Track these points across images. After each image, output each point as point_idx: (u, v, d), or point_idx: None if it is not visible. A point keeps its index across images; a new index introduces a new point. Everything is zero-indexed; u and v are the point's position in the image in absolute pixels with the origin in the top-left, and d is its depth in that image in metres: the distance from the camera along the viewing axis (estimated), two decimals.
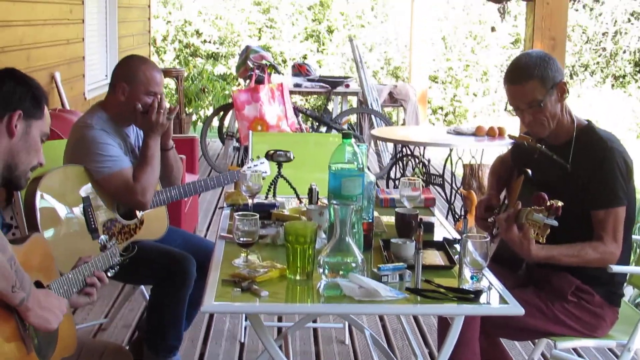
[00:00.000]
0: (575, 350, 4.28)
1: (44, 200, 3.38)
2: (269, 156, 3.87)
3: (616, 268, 3.17)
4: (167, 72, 10.87)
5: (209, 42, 17.01)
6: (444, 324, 3.25)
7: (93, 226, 3.50)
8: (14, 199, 3.60)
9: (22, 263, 2.30)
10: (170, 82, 13.15)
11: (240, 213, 2.96)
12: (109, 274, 2.75)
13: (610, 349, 4.44)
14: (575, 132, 3.28)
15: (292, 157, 3.86)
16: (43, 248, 2.57)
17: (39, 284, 2.42)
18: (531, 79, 3.18)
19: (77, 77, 8.00)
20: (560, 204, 2.73)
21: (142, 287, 4.36)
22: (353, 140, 3.04)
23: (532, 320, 3.21)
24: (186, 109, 11.94)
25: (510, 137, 3.59)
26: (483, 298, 2.66)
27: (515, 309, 2.62)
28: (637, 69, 18.03)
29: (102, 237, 2.81)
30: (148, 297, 3.91)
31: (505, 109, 3.37)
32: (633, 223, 3.31)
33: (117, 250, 2.79)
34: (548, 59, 3.22)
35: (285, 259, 2.77)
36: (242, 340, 4.49)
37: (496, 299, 2.71)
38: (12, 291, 2.18)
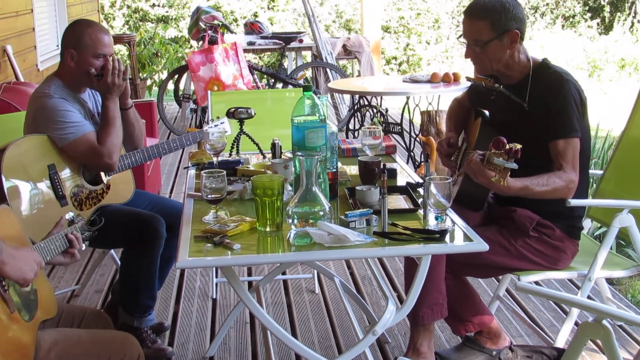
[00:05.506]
0: (537, 283, 4.40)
1: (9, 171, 3.37)
2: (230, 114, 3.88)
3: (574, 202, 3.25)
4: (118, 39, 10.75)
5: (158, 5, 16.84)
6: (410, 267, 3.31)
7: (60, 193, 3.51)
8: None
9: None
10: (122, 48, 13.04)
11: (207, 171, 3.00)
12: (83, 247, 2.79)
13: (571, 280, 4.59)
14: (531, 70, 3.35)
15: (253, 114, 3.89)
16: (10, 219, 2.60)
17: None
18: (482, 20, 3.25)
19: (29, 48, 7.91)
20: (518, 146, 2.75)
21: (112, 251, 4.40)
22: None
23: (496, 257, 3.30)
24: (140, 74, 11.86)
25: (468, 78, 3.65)
26: (448, 237, 2.73)
27: (479, 245, 2.68)
28: (586, 9, 18.18)
29: (70, 213, 2.82)
30: (119, 261, 3.94)
31: (458, 38, 3.44)
32: (589, 157, 3.39)
33: (85, 226, 2.83)
34: (508, 6, 3.25)
35: (253, 213, 2.82)
36: (214, 297, 4.55)
37: (461, 237, 2.78)
38: None
